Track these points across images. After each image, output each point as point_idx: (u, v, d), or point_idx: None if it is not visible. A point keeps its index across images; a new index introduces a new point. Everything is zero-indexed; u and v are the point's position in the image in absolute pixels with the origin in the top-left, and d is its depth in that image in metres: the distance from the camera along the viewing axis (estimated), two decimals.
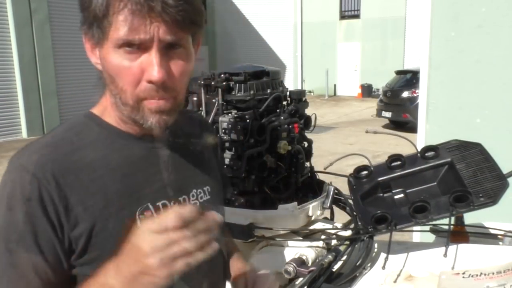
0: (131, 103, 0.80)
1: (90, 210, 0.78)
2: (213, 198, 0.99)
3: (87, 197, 0.78)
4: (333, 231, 1.41)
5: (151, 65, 0.76)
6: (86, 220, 0.77)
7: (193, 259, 0.66)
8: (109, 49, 0.77)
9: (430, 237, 1.39)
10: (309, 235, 1.40)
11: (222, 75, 1.40)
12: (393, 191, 1.33)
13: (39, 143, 0.81)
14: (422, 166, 1.31)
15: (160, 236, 0.65)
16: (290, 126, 1.46)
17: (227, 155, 1.40)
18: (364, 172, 1.38)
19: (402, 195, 1.32)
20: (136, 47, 0.76)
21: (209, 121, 1.40)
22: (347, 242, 1.25)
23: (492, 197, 1.09)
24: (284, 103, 1.52)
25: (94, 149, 0.82)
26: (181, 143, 0.95)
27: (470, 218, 1.25)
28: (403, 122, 10.75)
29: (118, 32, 0.75)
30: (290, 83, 18.52)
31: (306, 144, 1.59)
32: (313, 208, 1.42)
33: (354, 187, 1.36)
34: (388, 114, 11.03)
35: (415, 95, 10.06)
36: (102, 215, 0.79)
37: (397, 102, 10.77)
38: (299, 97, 1.56)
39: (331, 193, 1.47)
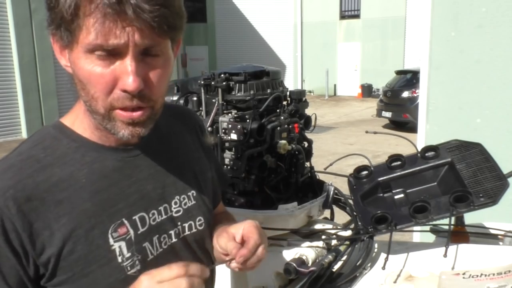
0: (102, 112, 0.74)
1: (57, 234, 0.74)
2: (199, 202, 0.94)
3: (53, 221, 0.74)
4: (333, 231, 1.41)
5: (126, 73, 0.70)
6: (53, 245, 0.73)
7: None
8: (80, 54, 0.71)
9: (430, 237, 1.39)
10: (309, 235, 1.40)
11: (222, 75, 1.40)
12: (393, 191, 1.33)
13: (2, 166, 0.76)
14: (422, 166, 1.31)
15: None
16: (290, 126, 1.45)
17: (227, 155, 1.40)
18: (364, 172, 1.38)
19: (402, 195, 1.32)
20: (109, 52, 0.70)
21: (209, 121, 1.40)
22: (347, 242, 1.25)
23: (492, 197, 1.09)
24: (284, 103, 1.52)
25: (62, 165, 0.77)
26: (161, 148, 0.90)
27: (470, 218, 1.25)
28: (403, 122, 10.76)
29: (88, 36, 0.68)
30: (290, 83, 18.53)
31: (306, 144, 1.59)
32: (313, 208, 1.42)
33: (354, 187, 1.36)
34: (388, 114, 11.03)
35: (415, 95, 10.06)
36: (70, 238, 0.74)
37: (397, 102, 10.78)
38: (299, 97, 1.56)
39: (331, 193, 1.47)
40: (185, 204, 0.91)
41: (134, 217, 0.82)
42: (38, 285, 0.76)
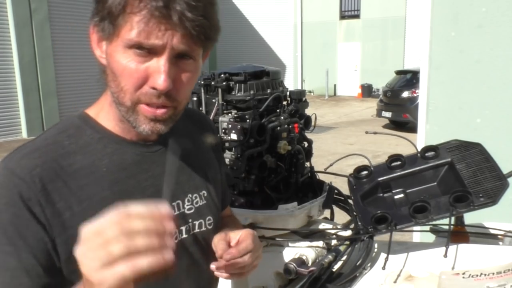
0: (129, 104, 0.78)
1: (77, 216, 0.76)
2: (209, 202, 0.97)
3: (75, 204, 0.77)
4: (333, 231, 1.41)
5: (158, 72, 0.75)
6: (72, 227, 0.75)
7: (142, 263, 0.55)
8: (118, 47, 0.75)
9: (430, 237, 1.39)
10: (309, 235, 1.40)
11: (222, 75, 1.40)
12: (393, 191, 1.33)
13: (29, 147, 0.80)
14: (422, 166, 1.31)
15: (97, 238, 0.57)
16: (290, 126, 1.45)
17: (227, 155, 1.40)
18: (364, 172, 1.38)
19: (402, 195, 1.32)
20: (146, 50, 0.74)
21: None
22: (347, 242, 1.25)
23: (492, 197, 1.09)
24: (284, 103, 1.52)
25: (84, 154, 0.81)
26: (178, 146, 0.92)
27: (470, 218, 1.25)
28: (403, 122, 10.76)
29: (131, 32, 0.73)
30: (290, 83, 18.53)
31: (306, 144, 1.59)
32: (313, 208, 1.42)
33: (354, 187, 1.36)
34: (388, 114, 11.04)
35: (415, 95, 10.06)
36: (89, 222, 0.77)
37: (397, 102, 10.78)
38: (299, 97, 1.56)
39: (331, 193, 1.47)
40: (196, 202, 0.94)
41: None
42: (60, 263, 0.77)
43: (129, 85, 0.76)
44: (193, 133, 1.01)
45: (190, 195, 0.94)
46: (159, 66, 0.75)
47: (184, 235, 0.92)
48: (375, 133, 1.63)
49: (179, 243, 0.90)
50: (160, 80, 0.74)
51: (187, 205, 0.93)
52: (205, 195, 0.97)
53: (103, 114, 0.85)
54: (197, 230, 0.94)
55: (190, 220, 0.93)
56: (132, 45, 0.74)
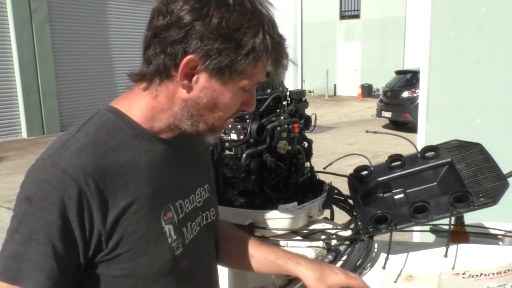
0: (219, 125, 0.89)
1: (125, 213, 0.80)
2: (211, 195, 1.04)
3: (122, 200, 0.81)
4: (333, 231, 1.41)
5: (252, 100, 0.90)
6: (121, 223, 0.80)
7: None
8: (233, 89, 0.84)
9: (430, 237, 1.39)
10: (309, 235, 1.40)
11: None
12: (393, 191, 1.33)
13: (75, 143, 0.80)
14: (422, 166, 1.31)
15: None
16: (290, 126, 1.45)
17: (227, 155, 1.40)
18: (364, 172, 1.38)
19: (402, 195, 1.32)
20: None
21: None
22: (347, 242, 1.25)
23: (492, 197, 1.09)
24: (284, 103, 1.52)
25: (124, 150, 0.84)
26: (185, 144, 0.98)
27: (470, 218, 1.25)
28: (403, 122, 10.76)
29: (254, 78, 0.84)
30: (290, 83, 18.52)
31: (306, 144, 1.58)
32: (313, 208, 1.42)
33: (354, 187, 1.36)
34: (388, 114, 11.03)
35: (415, 95, 10.06)
36: (134, 218, 0.82)
37: (397, 102, 10.78)
38: (299, 97, 1.56)
39: (331, 193, 1.47)
40: (203, 195, 1.01)
41: (176, 204, 0.91)
42: (92, 263, 0.81)
43: (227, 115, 0.88)
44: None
45: (199, 188, 1.00)
46: (253, 96, 0.91)
47: (198, 227, 0.98)
48: (375, 132, 1.62)
49: (197, 234, 0.96)
50: (252, 106, 0.91)
51: (197, 198, 0.99)
52: (208, 188, 1.03)
53: (135, 111, 0.88)
54: (205, 221, 1.01)
55: (200, 213, 0.99)
56: (248, 87, 0.85)
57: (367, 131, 1.63)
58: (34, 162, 0.80)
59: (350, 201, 1.40)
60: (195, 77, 0.82)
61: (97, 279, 0.83)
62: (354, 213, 1.34)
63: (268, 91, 1.43)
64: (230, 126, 1.36)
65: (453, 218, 1.14)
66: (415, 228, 1.29)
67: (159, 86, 0.85)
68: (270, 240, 1.35)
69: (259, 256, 1.08)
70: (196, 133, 0.89)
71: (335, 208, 1.55)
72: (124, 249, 0.81)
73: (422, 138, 2.46)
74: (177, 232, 0.89)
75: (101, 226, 0.78)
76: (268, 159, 1.41)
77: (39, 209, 0.75)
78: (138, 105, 0.88)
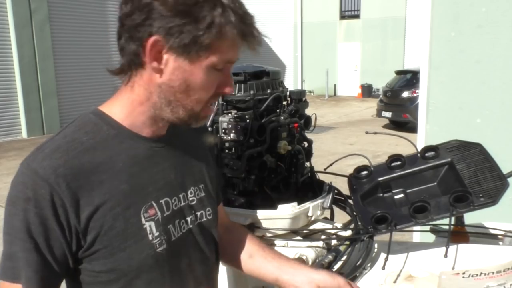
0: (198, 110, 0.89)
1: (99, 210, 0.82)
2: (207, 194, 1.05)
3: (96, 198, 0.82)
4: (333, 231, 1.41)
5: (229, 81, 0.89)
6: (95, 220, 0.82)
7: None
8: (203, 67, 0.83)
9: (430, 237, 1.39)
10: (309, 235, 1.40)
11: None
12: (393, 191, 1.33)
13: (49, 146, 0.83)
14: (422, 166, 1.31)
15: None
16: (290, 126, 1.45)
17: (227, 155, 1.40)
18: (364, 172, 1.38)
19: (402, 195, 1.32)
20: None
21: (209, 121, 1.40)
22: (347, 242, 1.25)
23: (492, 197, 1.09)
24: (284, 103, 1.52)
25: (103, 149, 0.86)
26: (178, 143, 1.00)
27: (470, 218, 1.25)
28: (403, 122, 10.76)
29: (224, 56, 0.84)
30: (290, 83, 18.53)
31: (306, 144, 1.58)
32: (313, 208, 1.42)
33: (354, 187, 1.36)
34: (388, 114, 11.03)
35: (415, 95, 10.06)
36: (110, 215, 0.84)
37: (397, 102, 10.77)
38: (299, 97, 1.56)
39: (331, 193, 1.47)
40: (198, 194, 1.02)
41: (161, 201, 0.92)
42: (76, 258, 0.85)
43: (206, 96, 0.88)
44: (191, 131, 1.07)
45: (192, 187, 1.01)
46: (228, 75, 0.89)
47: (190, 225, 0.99)
48: (375, 133, 1.63)
49: (187, 232, 0.97)
50: (229, 88, 0.89)
51: (190, 197, 1.00)
52: (204, 188, 1.04)
53: (117, 109, 0.90)
54: (199, 220, 1.02)
55: (193, 211, 1.00)
56: (219, 66, 0.85)
57: (367, 132, 1.63)
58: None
59: (350, 201, 1.40)
60: (164, 59, 0.83)
61: (83, 274, 0.87)
62: (354, 213, 1.34)
63: (268, 91, 1.43)
64: (230, 126, 1.36)
65: (453, 218, 1.14)
66: (415, 228, 1.30)
67: (135, 76, 0.87)
68: (270, 240, 1.35)
69: (263, 267, 1.07)
70: (179, 122, 0.90)
71: (335, 208, 1.55)
72: (102, 245, 0.84)
73: (422, 138, 2.46)
74: (161, 229, 0.90)
75: (76, 223, 0.81)
76: (268, 159, 1.41)
77: (20, 209, 0.79)
78: (119, 103, 0.91)
